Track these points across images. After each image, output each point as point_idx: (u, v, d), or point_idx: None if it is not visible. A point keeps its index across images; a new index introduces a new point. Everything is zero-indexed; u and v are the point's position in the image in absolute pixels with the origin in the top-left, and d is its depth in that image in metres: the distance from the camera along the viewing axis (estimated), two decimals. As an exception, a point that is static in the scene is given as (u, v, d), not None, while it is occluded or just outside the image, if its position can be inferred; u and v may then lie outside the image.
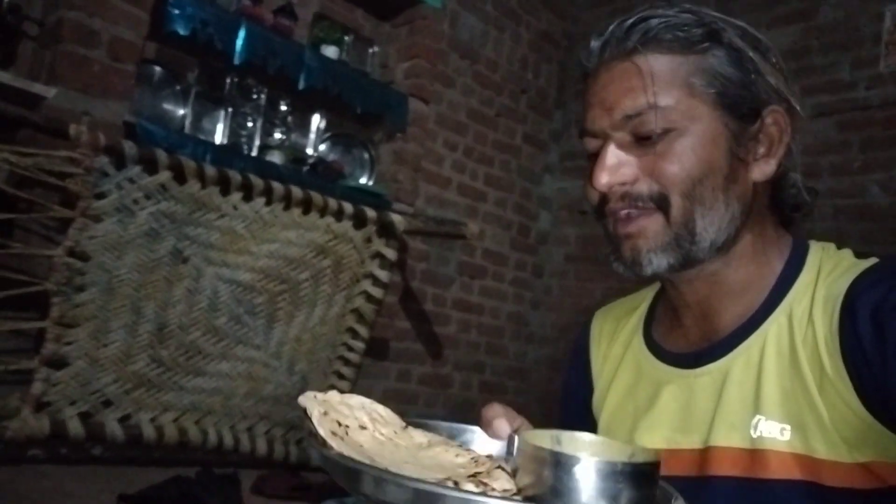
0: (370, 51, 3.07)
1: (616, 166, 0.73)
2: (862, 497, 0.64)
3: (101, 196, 1.87)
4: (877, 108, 2.79)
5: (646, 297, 0.91)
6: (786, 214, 0.79)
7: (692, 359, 0.78)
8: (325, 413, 0.55)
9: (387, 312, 2.87)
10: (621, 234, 0.74)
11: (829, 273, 0.71)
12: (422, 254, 3.16)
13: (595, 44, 0.76)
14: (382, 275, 2.44)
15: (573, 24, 3.89)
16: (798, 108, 0.74)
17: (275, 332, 2.19)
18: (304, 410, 0.55)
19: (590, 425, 0.87)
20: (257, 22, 2.51)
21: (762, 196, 0.76)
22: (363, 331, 2.41)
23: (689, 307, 0.79)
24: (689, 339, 0.80)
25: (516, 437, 0.55)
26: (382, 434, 0.57)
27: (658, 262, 0.73)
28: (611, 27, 0.75)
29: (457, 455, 0.57)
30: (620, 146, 0.73)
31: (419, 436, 0.60)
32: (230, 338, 2.10)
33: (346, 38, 2.94)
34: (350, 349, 2.38)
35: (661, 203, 0.72)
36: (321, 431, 0.53)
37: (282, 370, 2.20)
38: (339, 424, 0.55)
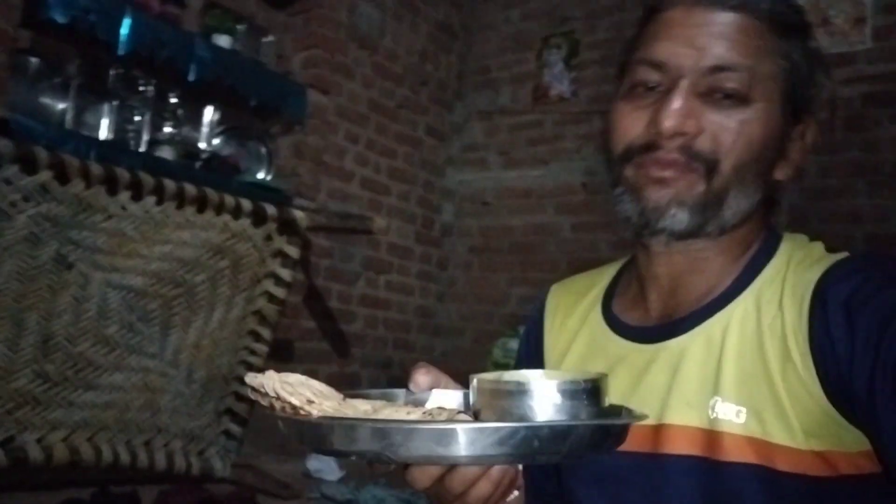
0: (264, 40, 2.96)
1: (686, 113, 0.69)
2: (813, 483, 0.64)
3: (-27, 198, 1.72)
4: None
5: (607, 272, 0.89)
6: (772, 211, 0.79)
7: (651, 333, 0.77)
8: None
9: (290, 312, 2.79)
10: (655, 176, 0.70)
11: (799, 262, 0.70)
12: (325, 250, 3.08)
13: None
14: (285, 273, 2.36)
15: (471, 16, 3.89)
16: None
17: (171, 339, 2.08)
18: (255, 389, 0.55)
19: None
20: (143, 9, 2.37)
21: (779, 192, 0.77)
22: (266, 333, 2.33)
23: (659, 280, 0.78)
24: (650, 315, 0.79)
25: (474, 381, 0.57)
26: (328, 408, 0.55)
27: (679, 218, 0.70)
28: None
29: (408, 413, 0.57)
30: (692, 93, 0.69)
31: (363, 404, 0.60)
32: (122, 347, 1.97)
33: (239, 26, 2.83)
34: (252, 353, 2.28)
35: (711, 166, 0.69)
36: (295, 401, 0.53)
37: (180, 379, 2.09)
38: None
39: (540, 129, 3.66)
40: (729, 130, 0.69)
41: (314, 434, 0.53)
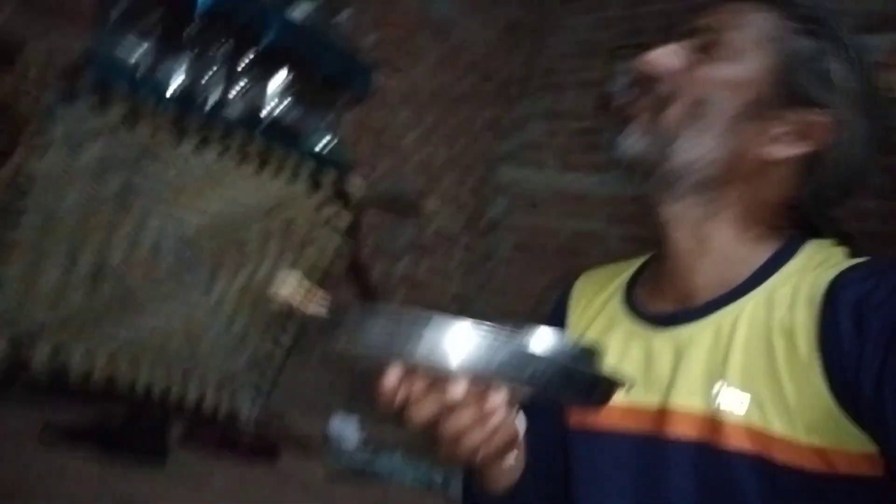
0: (340, 16, 3.02)
1: (665, 58, 0.77)
2: (809, 479, 0.64)
3: (47, 128, 1.81)
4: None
5: (634, 263, 0.92)
6: (804, 222, 0.79)
7: (666, 319, 0.78)
8: None
9: (332, 281, 2.84)
10: (623, 104, 0.79)
11: (818, 264, 0.71)
12: (373, 226, 3.13)
13: None
14: (332, 242, 2.42)
15: (544, 18, 3.90)
16: (861, 137, 0.75)
17: (217, 285, 2.15)
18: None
19: None
20: (227, -29, 2.44)
21: (772, 185, 0.76)
22: (306, 295, 2.38)
23: (674, 262, 0.80)
24: (667, 301, 0.80)
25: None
26: None
27: (632, 145, 0.76)
28: None
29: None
30: (683, 50, 0.78)
31: None
32: (171, 283, 2.05)
33: (318, -1, 2.89)
34: (289, 315, 2.34)
35: (662, 103, 0.76)
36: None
37: (221, 322, 2.16)
38: None
39: (600, 136, 3.65)
40: (697, 75, 0.75)
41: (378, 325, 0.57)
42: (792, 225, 0.78)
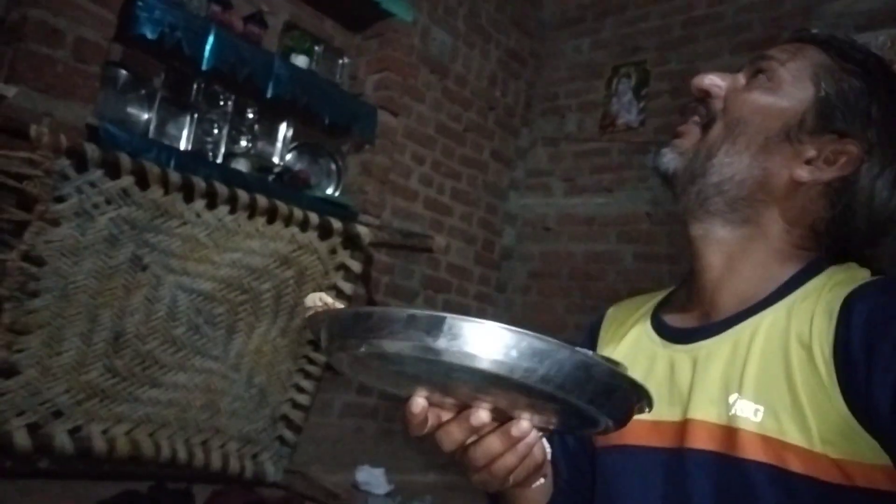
0: (340, 62, 3.05)
1: (717, 82, 0.83)
2: (825, 489, 0.65)
3: (60, 200, 1.82)
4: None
5: (667, 290, 0.95)
6: (835, 246, 0.80)
7: (686, 335, 0.81)
8: None
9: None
10: (676, 128, 0.85)
11: (838, 282, 0.73)
12: (386, 266, 3.14)
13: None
14: (346, 287, 2.42)
15: (541, 44, 3.92)
16: (890, 175, 0.78)
17: (234, 344, 2.15)
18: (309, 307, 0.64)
19: None
20: (227, 28, 2.48)
21: (802, 208, 0.79)
22: (325, 344, 2.38)
23: (701, 278, 0.82)
24: (691, 317, 0.83)
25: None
26: None
27: (672, 160, 0.82)
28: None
29: None
30: (736, 78, 0.84)
31: None
32: (188, 348, 2.05)
33: (317, 48, 2.92)
34: (311, 361, 2.34)
35: (707, 123, 0.81)
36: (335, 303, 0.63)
37: (240, 382, 2.15)
38: None
39: (606, 157, 3.65)
40: (740, 98, 0.80)
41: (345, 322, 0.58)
42: (819, 249, 0.80)
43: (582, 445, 0.89)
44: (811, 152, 0.77)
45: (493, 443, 0.62)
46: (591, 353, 0.64)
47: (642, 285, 3.37)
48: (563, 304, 3.61)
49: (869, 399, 0.62)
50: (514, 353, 0.53)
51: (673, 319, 0.85)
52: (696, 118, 0.83)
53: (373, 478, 2.44)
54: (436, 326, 0.53)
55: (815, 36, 0.82)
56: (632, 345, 0.87)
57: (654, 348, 0.84)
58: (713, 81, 0.83)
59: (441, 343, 0.53)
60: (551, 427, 0.65)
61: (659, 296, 0.93)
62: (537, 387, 0.54)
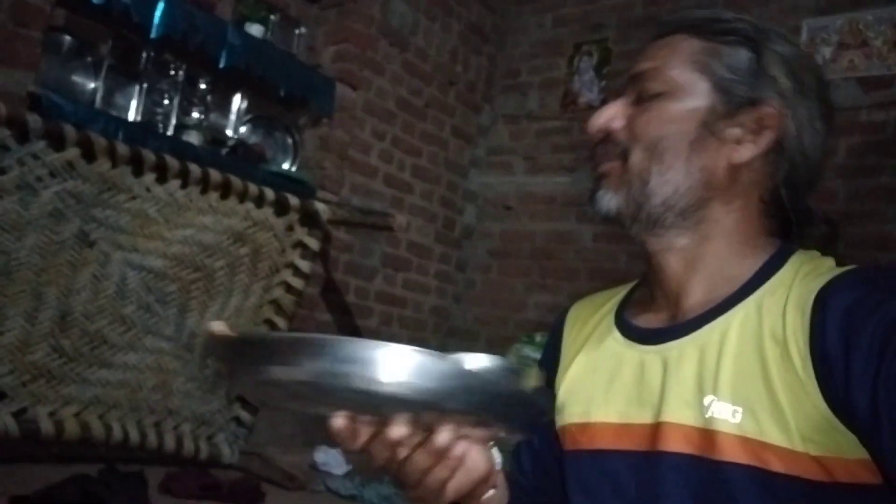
0: (296, 32, 2.97)
1: (611, 116, 0.80)
2: (807, 487, 0.64)
3: (0, 172, 1.74)
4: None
5: (627, 287, 0.93)
6: (784, 224, 0.81)
7: (655, 335, 0.80)
8: None
9: (307, 304, 2.79)
10: (593, 173, 0.82)
11: (806, 274, 0.72)
12: (345, 244, 3.08)
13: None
14: (304, 265, 2.37)
15: (503, 20, 3.88)
16: (811, 118, 0.78)
17: (187, 323, 2.08)
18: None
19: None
20: (178, -6, 2.38)
21: (748, 187, 0.78)
22: (282, 323, 2.33)
23: (664, 283, 0.81)
24: (657, 318, 0.82)
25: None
26: None
27: (609, 201, 0.79)
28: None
29: None
30: (626, 102, 0.81)
31: None
32: (139, 327, 1.98)
33: (272, 16, 2.84)
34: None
35: (623, 154, 0.79)
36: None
37: (193, 363, 2.09)
38: None
39: (567, 135, 3.64)
40: (643, 119, 0.78)
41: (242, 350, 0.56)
42: (776, 225, 0.80)
43: (549, 445, 0.87)
44: (736, 132, 0.76)
45: (421, 457, 0.61)
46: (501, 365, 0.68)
47: (601, 265, 3.39)
48: (522, 283, 3.61)
49: (847, 396, 0.62)
50: (402, 374, 0.52)
51: (638, 319, 0.84)
52: (608, 157, 0.81)
53: (331, 458, 2.41)
54: (320, 351, 0.53)
55: (679, 24, 0.81)
56: (595, 346, 0.86)
57: (619, 349, 0.83)
58: (608, 116, 0.81)
59: (328, 367, 0.52)
60: (481, 434, 0.64)
61: (619, 293, 0.92)
62: (429, 401, 0.54)
